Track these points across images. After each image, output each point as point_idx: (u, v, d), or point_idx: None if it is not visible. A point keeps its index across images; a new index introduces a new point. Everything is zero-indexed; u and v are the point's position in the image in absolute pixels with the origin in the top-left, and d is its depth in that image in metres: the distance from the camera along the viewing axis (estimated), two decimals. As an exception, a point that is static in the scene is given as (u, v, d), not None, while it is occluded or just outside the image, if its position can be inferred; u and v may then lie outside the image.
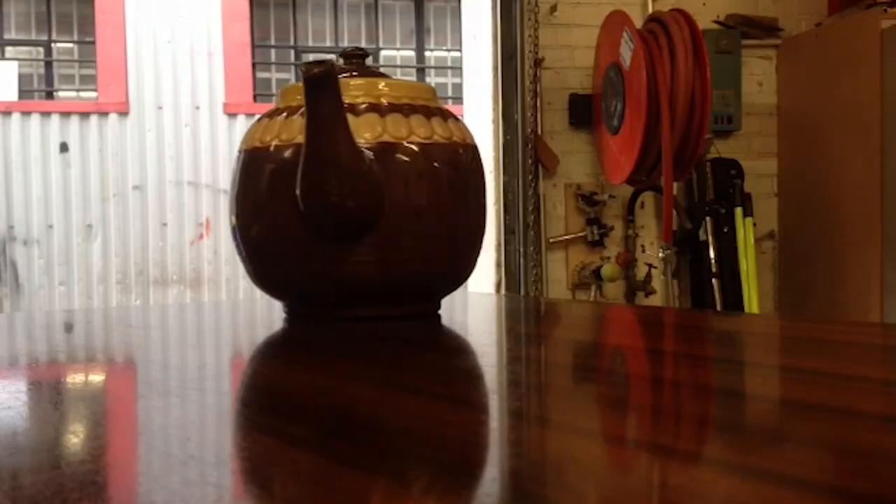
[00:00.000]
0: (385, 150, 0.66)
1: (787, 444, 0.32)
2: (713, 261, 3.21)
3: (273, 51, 6.26)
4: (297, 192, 0.63)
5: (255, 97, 5.99)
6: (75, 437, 0.36)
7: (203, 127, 5.74)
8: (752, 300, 3.18)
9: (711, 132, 3.15)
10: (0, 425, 0.37)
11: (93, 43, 5.73)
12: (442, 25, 6.66)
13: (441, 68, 6.76)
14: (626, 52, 2.86)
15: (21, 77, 5.75)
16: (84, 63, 5.87)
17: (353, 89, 0.69)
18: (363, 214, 0.64)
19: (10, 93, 5.57)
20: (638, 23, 3.03)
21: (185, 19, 5.71)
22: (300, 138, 0.64)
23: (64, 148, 5.38)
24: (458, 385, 0.46)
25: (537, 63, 3.18)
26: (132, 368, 0.56)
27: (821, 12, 3.34)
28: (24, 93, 5.73)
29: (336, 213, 0.63)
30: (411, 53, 6.71)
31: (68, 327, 0.78)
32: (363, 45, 6.58)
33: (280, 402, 0.42)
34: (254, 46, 6.00)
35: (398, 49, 6.70)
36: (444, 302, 0.77)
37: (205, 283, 5.58)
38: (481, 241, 0.74)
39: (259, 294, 0.76)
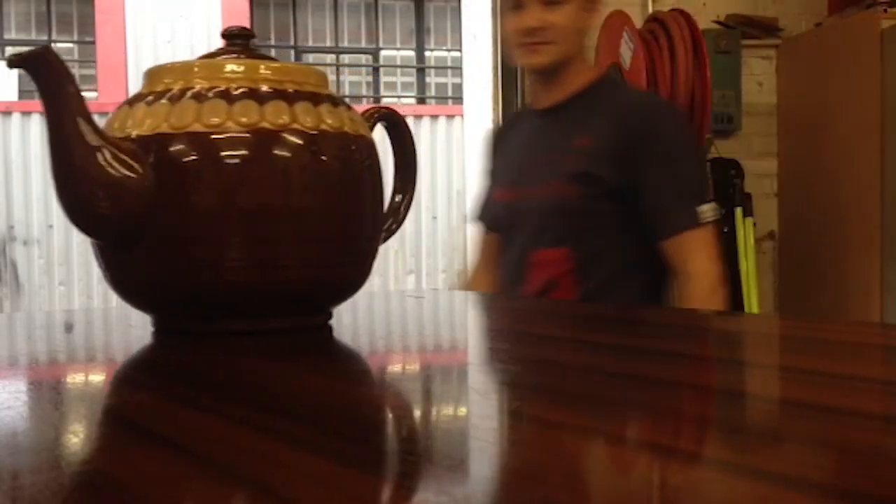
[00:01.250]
0: (262, 139, 0.59)
1: (787, 444, 0.32)
2: (713, 261, 3.20)
3: (273, 51, 6.26)
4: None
5: (255, 97, 5.97)
6: (75, 437, 0.36)
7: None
8: (752, 300, 3.18)
9: (711, 132, 3.15)
10: (0, 425, 0.37)
11: (93, 43, 5.72)
12: (442, 25, 6.66)
13: (441, 68, 6.75)
14: (626, 52, 2.86)
15: (21, 77, 5.75)
16: (84, 63, 5.87)
17: (229, 73, 0.62)
18: (104, 219, 0.57)
19: (10, 93, 5.56)
20: (638, 23, 3.03)
21: (185, 19, 5.71)
22: (164, 126, 0.59)
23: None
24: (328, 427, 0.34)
25: (537, 63, 3.18)
26: (132, 369, 0.56)
27: (821, 12, 3.34)
28: (24, 93, 5.72)
29: (74, 219, 0.57)
30: (411, 53, 6.71)
31: (68, 327, 0.78)
32: (363, 45, 6.58)
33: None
34: (254, 46, 6.01)
35: (398, 49, 6.70)
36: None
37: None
38: (377, 245, 0.67)
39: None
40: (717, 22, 3.34)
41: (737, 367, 0.52)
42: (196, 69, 0.63)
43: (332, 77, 6.50)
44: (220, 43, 0.68)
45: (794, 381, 0.45)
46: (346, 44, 6.55)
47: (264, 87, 0.61)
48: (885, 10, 2.88)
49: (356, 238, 0.64)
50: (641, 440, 0.33)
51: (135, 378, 0.52)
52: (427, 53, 6.70)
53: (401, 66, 6.70)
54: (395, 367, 0.56)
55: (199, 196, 0.59)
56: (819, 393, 0.41)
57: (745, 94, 3.32)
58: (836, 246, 3.12)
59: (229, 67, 0.62)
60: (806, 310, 3.30)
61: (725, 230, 3.24)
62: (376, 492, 0.27)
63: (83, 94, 0.56)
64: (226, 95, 0.60)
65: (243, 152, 0.58)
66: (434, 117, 5.63)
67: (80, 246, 5.42)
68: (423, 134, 5.54)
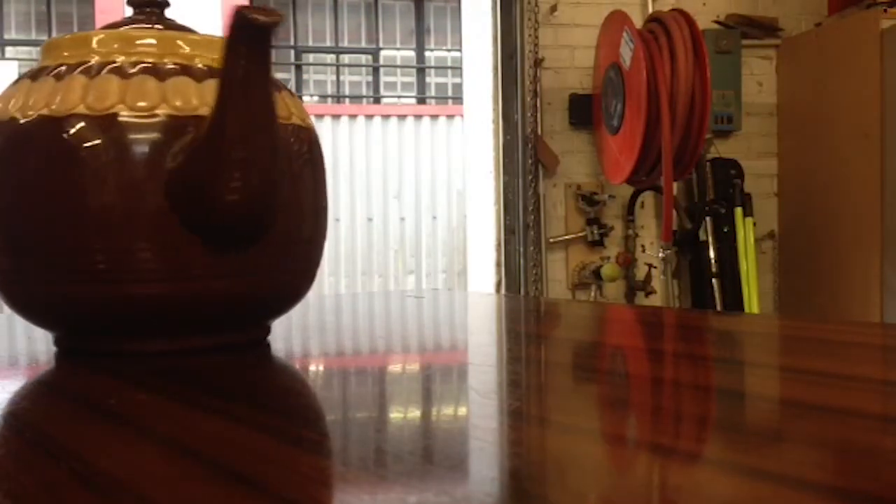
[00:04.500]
0: (175, 127, 0.50)
1: (787, 444, 0.32)
2: (713, 261, 3.21)
3: (273, 51, 6.26)
4: (176, 181, 0.49)
5: (255, 97, 5.97)
6: (77, 437, 0.36)
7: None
8: (752, 300, 3.18)
9: (711, 132, 3.16)
10: (0, 425, 0.37)
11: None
12: (442, 25, 6.66)
13: (441, 68, 6.76)
14: (626, 52, 2.86)
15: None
16: (84, 63, 5.88)
17: (136, 45, 0.53)
18: (267, 212, 0.50)
19: (10, 93, 5.57)
20: (638, 23, 3.03)
21: (184, 20, 5.71)
22: (81, 107, 0.49)
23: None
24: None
25: (537, 63, 3.18)
26: (131, 368, 0.56)
27: (821, 12, 3.34)
28: (24, 93, 5.73)
29: (243, 212, 0.48)
30: (411, 53, 6.71)
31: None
32: (363, 45, 6.58)
33: None
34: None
35: (398, 49, 6.70)
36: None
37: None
38: (320, 251, 0.58)
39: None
40: (717, 22, 3.34)
41: (736, 366, 0.51)
42: (95, 41, 0.53)
43: (332, 77, 6.51)
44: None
45: (794, 381, 0.45)
46: (346, 44, 6.55)
47: (172, 63, 0.52)
48: (885, 10, 2.88)
49: (295, 242, 0.55)
50: (641, 440, 0.33)
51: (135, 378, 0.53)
52: (427, 53, 6.70)
53: (401, 66, 6.70)
54: (395, 368, 0.56)
55: (96, 192, 0.49)
56: (819, 393, 0.41)
57: (745, 94, 3.33)
58: (836, 246, 3.12)
59: (136, 38, 0.53)
60: (806, 310, 3.31)
61: (725, 230, 3.24)
62: (376, 492, 0.27)
63: None
64: (120, 72, 0.51)
65: (147, 139, 0.49)
66: (434, 117, 5.63)
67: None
68: (423, 134, 5.54)
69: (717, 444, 0.33)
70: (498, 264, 3.27)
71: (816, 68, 3.22)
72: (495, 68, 3.23)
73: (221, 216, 0.48)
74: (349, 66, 6.66)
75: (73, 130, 0.49)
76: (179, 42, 0.53)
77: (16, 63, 5.79)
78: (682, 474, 0.28)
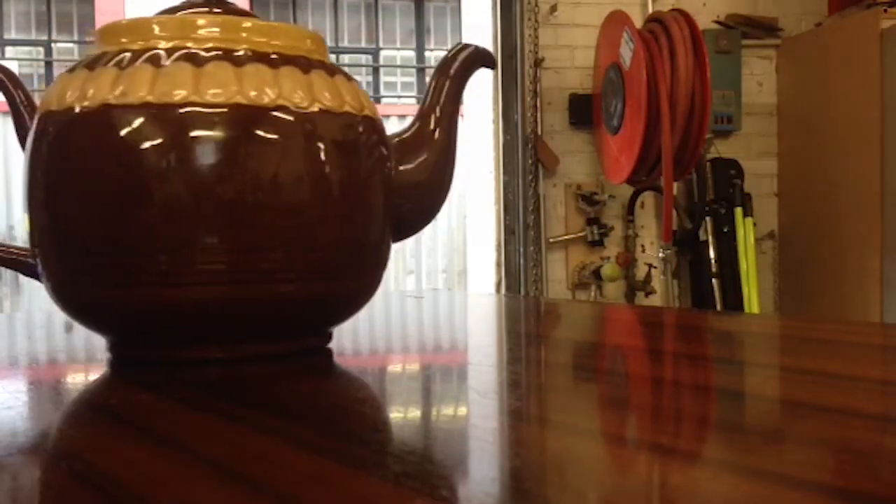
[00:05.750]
0: (241, 117, 0.47)
1: (787, 444, 0.32)
2: (713, 261, 3.21)
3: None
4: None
5: (255, 97, 5.97)
6: (76, 437, 0.36)
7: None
8: (752, 300, 3.18)
9: (711, 132, 3.15)
10: (0, 425, 0.37)
11: (93, 43, 5.73)
12: (442, 25, 6.66)
13: (441, 68, 6.74)
14: (626, 52, 2.86)
15: (21, 77, 5.75)
16: (84, 63, 5.88)
17: (200, 31, 0.49)
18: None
19: (10, 93, 5.57)
20: (638, 23, 3.03)
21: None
22: (148, 96, 0.46)
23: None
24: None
25: (537, 63, 3.18)
26: (131, 368, 0.56)
27: (821, 12, 3.34)
28: (24, 93, 5.72)
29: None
30: (411, 53, 6.71)
31: (68, 327, 0.78)
32: (363, 45, 6.58)
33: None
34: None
35: (398, 49, 6.70)
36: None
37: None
38: (387, 253, 0.54)
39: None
40: (717, 22, 3.34)
41: (736, 366, 0.52)
42: (156, 26, 0.50)
43: (332, 77, 6.51)
44: None
45: (794, 381, 0.45)
46: (346, 44, 6.55)
47: (242, 50, 0.49)
48: (885, 10, 2.88)
49: (363, 245, 0.51)
50: (641, 440, 0.33)
51: (138, 378, 0.53)
52: (427, 53, 6.70)
53: (401, 66, 6.70)
54: (395, 368, 0.56)
55: (161, 189, 0.46)
56: (819, 393, 0.41)
57: (745, 94, 3.33)
58: (836, 246, 3.12)
59: (201, 24, 0.49)
60: (806, 310, 3.30)
61: (725, 230, 3.24)
62: (376, 492, 0.27)
63: None
64: (193, 59, 0.48)
65: (217, 134, 0.46)
66: (434, 117, 5.62)
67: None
68: (423, 134, 5.53)
69: (717, 444, 0.33)
70: (498, 264, 3.27)
71: (816, 68, 3.22)
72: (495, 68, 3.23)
73: (435, 210, 0.55)
74: (349, 65, 6.66)
75: (138, 121, 0.46)
76: (244, 27, 0.50)
77: (16, 63, 5.79)
78: (682, 474, 0.28)
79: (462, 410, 0.40)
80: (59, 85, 0.49)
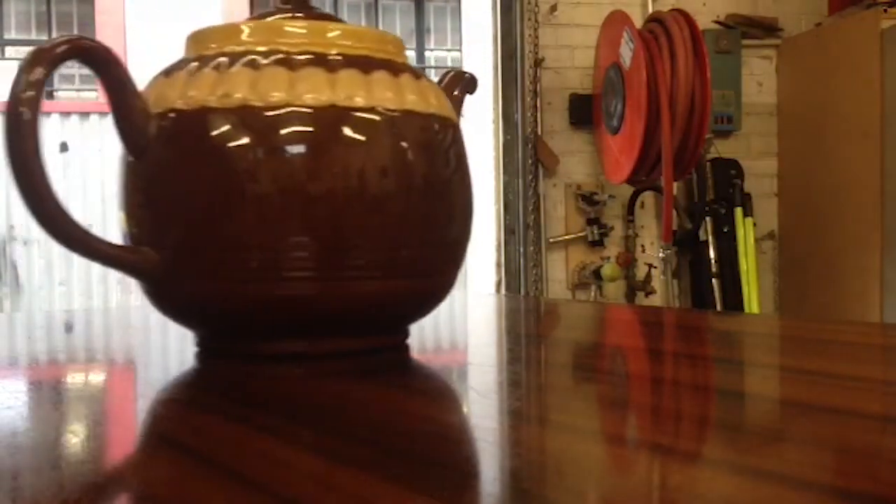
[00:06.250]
0: (332, 118, 0.48)
1: (787, 444, 0.32)
2: (713, 261, 3.21)
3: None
4: None
5: (255, 97, 5.97)
6: (75, 437, 0.36)
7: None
8: (752, 300, 3.18)
9: (711, 132, 3.16)
10: (0, 425, 0.37)
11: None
12: (442, 25, 6.66)
13: (441, 68, 6.76)
14: (626, 52, 2.86)
15: (21, 77, 5.75)
16: (84, 63, 5.88)
17: (290, 36, 0.51)
18: None
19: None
20: (638, 23, 3.03)
21: (184, 20, 5.71)
22: (246, 98, 0.48)
23: (64, 148, 5.38)
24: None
25: (537, 63, 3.19)
26: (132, 369, 0.56)
27: (821, 12, 3.34)
28: (24, 93, 5.72)
29: None
30: (411, 53, 6.71)
31: (68, 327, 0.78)
32: (363, 45, 6.57)
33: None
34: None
35: (398, 49, 6.70)
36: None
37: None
38: (465, 250, 0.56)
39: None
40: (717, 22, 3.34)
41: (736, 366, 0.52)
42: (247, 31, 0.52)
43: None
44: None
45: (794, 381, 0.45)
46: (346, 44, 6.54)
47: (334, 55, 0.50)
48: (885, 10, 2.88)
49: (445, 243, 0.53)
50: (641, 440, 0.33)
51: (151, 381, 0.52)
52: (427, 53, 6.70)
53: (401, 66, 6.69)
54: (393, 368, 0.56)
55: (253, 188, 0.47)
56: (819, 393, 0.41)
57: (745, 94, 3.33)
58: (836, 246, 3.12)
59: (290, 28, 0.51)
60: (806, 310, 3.31)
61: (725, 230, 3.24)
62: (377, 493, 0.27)
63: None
64: (287, 63, 0.49)
65: (308, 134, 0.48)
66: (434, 117, 5.62)
67: (80, 246, 5.42)
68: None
69: (717, 444, 0.33)
70: (498, 264, 3.27)
71: (816, 68, 3.22)
72: (495, 68, 3.23)
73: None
74: (349, 66, 6.64)
75: (236, 122, 0.47)
76: (332, 31, 0.51)
77: (16, 63, 5.80)
78: (682, 474, 0.28)
79: (462, 410, 0.40)
80: (157, 88, 0.51)
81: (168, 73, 0.51)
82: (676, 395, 0.42)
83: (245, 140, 0.47)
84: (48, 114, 5.48)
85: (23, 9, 5.96)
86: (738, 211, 3.24)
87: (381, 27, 6.57)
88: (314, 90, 0.48)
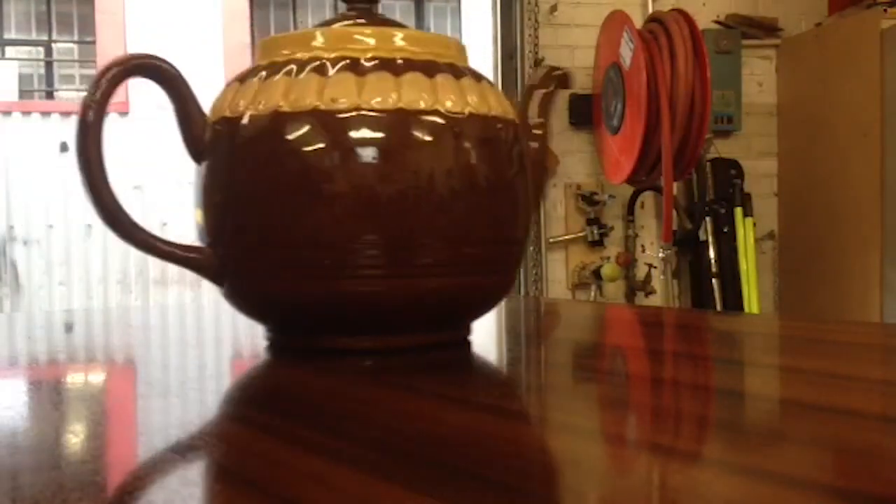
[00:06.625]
0: (400, 121, 0.50)
1: (787, 444, 0.32)
2: (713, 261, 3.21)
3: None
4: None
5: (255, 97, 5.97)
6: (75, 437, 0.36)
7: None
8: (752, 300, 3.18)
9: (711, 132, 3.16)
10: (0, 425, 0.37)
11: (93, 43, 5.72)
12: (442, 25, 6.66)
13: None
14: (626, 52, 2.86)
15: (21, 77, 5.75)
16: (84, 63, 5.87)
17: (360, 41, 0.53)
18: None
19: (10, 93, 5.57)
20: (638, 23, 3.03)
21: (185, 19, 5.71)
22: (283, 104, 0.50)
23: (64, 148, 5.38)
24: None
25: (537, 63, 3.18)
26: (132, 369, 0.56)
27: (821, 12, 3.34)
28: (24, 93, 5.72)
29: None
30: (411, 53, 6.70)
31: (68, 327, 0.78)
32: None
33: (283, 403, 0.42)
34: (254, 47, 6.01)
35: (398, 49, 6.70)
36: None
37: (204, 283, 5.59)
38: (524, 249, 0.58)
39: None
40: (717, 22, 3.34)
41: (736, 366, 0.52)
42: (318, 38, 0.54)
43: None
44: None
45: (794, 381, 0.45)
46: (346, 44, 6.55)
47: (399, 59, 0.52)
48: (885, 10, 2.88)
49: (509, 242, 0.55)
50: (642, 440, 0.33)
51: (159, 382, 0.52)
52: (427, 53, 6.69)
53: (401, 66, 6.69)
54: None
55: (325, 189, 0.49)
56: (819, 393, 0.41)
57: (745, 94, 3.33)
58: (836, 246, 3.12)
59: (357, 35, 0.53)
60: (806, 310, 3.31)
61: (725, 230, 3.24)
62: (375, 493, 0.27)
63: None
64: (355, 68, 0.51)
65: (378, 137, 0.50)
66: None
67: (80, 246, 5.43)
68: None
69: (717, 444, 0.33)
70: (498, 264, 3.27)
71: (816, 68, 3.22)
72: (495, 68, 3.23)
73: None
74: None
75: (307, 126, 0.50)
76: (397, 37, 0.54)
77: (16, 63, 5.79)
78: (682, 474, 0.28)
79: (462, 410, 0.40)
80: (230, 94, 0.53)
81: (242, 79, 0.54)
82: (676, 396, 0.42)
83: (318, 143, 0.50)
84: (48, 114, 5.48)
85: (23, 9, 5.96)
86: (738, 211, 3.24)
87: (381, 27, 6.57)
88: (382, 94, 0.50)
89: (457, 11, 5.49)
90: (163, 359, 0.60)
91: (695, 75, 2.75)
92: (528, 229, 0.57)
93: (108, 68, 0.50)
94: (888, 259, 2.89)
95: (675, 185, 2.98)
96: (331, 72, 0.51)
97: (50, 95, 5.86)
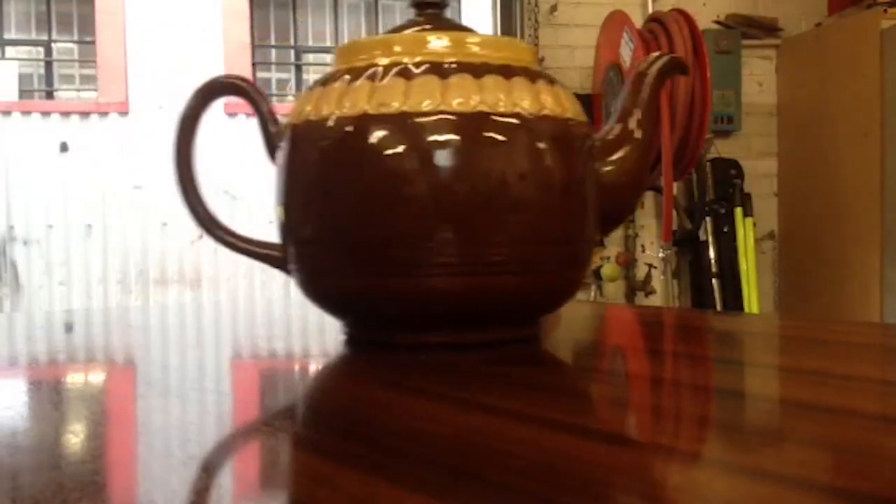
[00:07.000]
0: (478, 122, 0.51)
1: (787, 444, 0.32)
2: (713, 261, 3.21)
3: (273, 51, 6.26)
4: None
5: (255, 97, 5.96)
6: (75, 437, 0.36)
7: (203, 127, 5.70)
8: (752, 300, 3.18)
9: (711, 132, 3.16)
10: (0, 425, 0.37)
11: (93, 43, 5.72)
12: (442, 25, 6.66)
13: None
14: (626, 52, 2.86)
15: (21, 77, 5.75)
16: (84, 63, 5.87)
17: (436, 45, 0.55)
18: None
19: (10, 93, 5.57)
20: (638, 23, 3.03)
21: (185, 19, 5.71)
22: (368, 108, 0.52)
23: (64, 148, 5.38)
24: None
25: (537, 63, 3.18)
26: (132, 369, 0.56)
27: (821, 12, 3.35)
28: (24, 93, 5.72)
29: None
30: (411, 53, 6.70)
31: (68, 327, 0.78)
32: (363, 45, 6.57)
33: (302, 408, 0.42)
34: (254, 46, 6.00)
35: (398, 49, 6.69)
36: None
37: (205, 283, 5.59)
38: (592, 248, 0.59)
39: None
40: (717, 22, 3.34)
41: (736, 366, 0.52)
42: (395, 44, 0.56)
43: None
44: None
45: (794, 381, 0.45)
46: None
47: (476, 63, 0.54)
48: (885, 10, 2.89)
49: (579, 240, 0.56)
50: (641, 440, 0.33)
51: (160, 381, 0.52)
52: (427, 53, 6.69)
53: (401, 66, 6.69)
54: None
55: (408, 188, 0.51)
56: (819, 393, 0.41)
57: (745, 94, 3.33)
58: (836, 246, 3.12)
59: (432, 40, 0.55)
60: (806, 310, 3.31)
61: (725, 230, 3.24)
62: (375, 493, 0.27)
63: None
64: (437, 71, 0.53)
65: (459, 138, 0.51)
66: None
67: (80, 246, 5.43)
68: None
69: (717, 444, 0.33)
70: (498, 264, 3.27)
71: (816, 68, 3.22)
72: (495, 68, 3.23)
73: (633, 208, 0.59)
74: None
75: (393, 128, 0.52)
76: (472, 41, 0.56)
77: (16, 63, 5.79)
78: (682, 474, 0.28)
79: (462, 410, 0.40)
80: (313, 97, 0.55)
81: (325, 83, 0.56)
82: (676, 396, 0.42)
83: (403, 144, 0.51)
84: (48, 114, 5.48)
85: (23, 9, 5.96)
86: (738, 211, 3.24)
87: (380, 27, 6.57)
88: (463, 96, 0.52)
89: (457, 11, 5.48)
90: (163, 359, 0.60)
91: (695, 75, 2.75)
92: (596, 229, 0.58)
93: (201, 88, 0.58)
94: (888, 259, 2.89)
95: (675, 184, 2.98)
96: (415, 75, 0.53)
97: (50, 95, 5.86)
